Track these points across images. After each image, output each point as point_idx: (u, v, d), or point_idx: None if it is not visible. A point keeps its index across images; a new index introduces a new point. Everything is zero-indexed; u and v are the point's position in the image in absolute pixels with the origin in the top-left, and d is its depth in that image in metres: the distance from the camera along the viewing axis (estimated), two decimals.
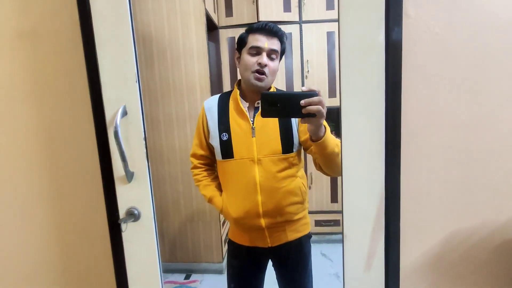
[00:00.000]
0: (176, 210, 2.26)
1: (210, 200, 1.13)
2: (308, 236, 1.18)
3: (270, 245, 1.10)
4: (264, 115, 0.77)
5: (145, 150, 0.72)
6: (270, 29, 1.03)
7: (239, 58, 1.09)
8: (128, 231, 0.75)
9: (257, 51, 1.02)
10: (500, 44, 0.75)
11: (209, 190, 1.13)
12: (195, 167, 1.18)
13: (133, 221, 0.74)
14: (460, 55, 0.76)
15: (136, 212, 0.74)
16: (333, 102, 2.47)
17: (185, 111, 2.15)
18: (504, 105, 0.77)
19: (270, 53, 1.03)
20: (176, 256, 2.34)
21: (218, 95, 1.16)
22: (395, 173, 0.75)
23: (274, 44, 1.03)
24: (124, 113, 0.70)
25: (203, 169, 1.17)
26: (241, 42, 1.07)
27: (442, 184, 0.80)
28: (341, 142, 0.75)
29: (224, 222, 2.39)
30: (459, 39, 0.75)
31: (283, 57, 2.51)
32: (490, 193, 0.80)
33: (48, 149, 0.87)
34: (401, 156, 0.77)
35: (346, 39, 0.71)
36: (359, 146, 0.74)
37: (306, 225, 1.16)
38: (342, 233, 0.75)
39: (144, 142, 0.71)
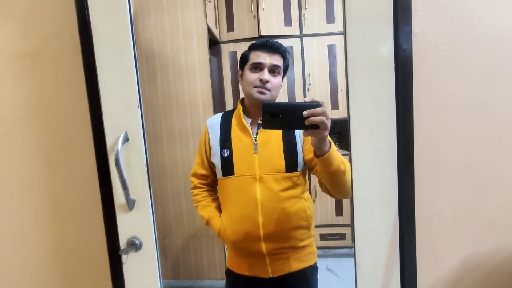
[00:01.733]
0: (179, 226, 2.23)
1: (208, 222, 1.08)
2: (314, 268, 1.09)
3: (271, 275, 1.02)
4: (265, 126, 0.75)
5: (147, 177, 0.69)
6: (272, 45, 1.02)
7: (242, 75, 1.07)
8: (129, 261, 0.71)
9: (258, 67, 1.01)
10: (508, 59, 0.73)
11: (208, 211, 1.09)
12: (195, 187, 1.14)
13: (135, 251, 0.70)
14: (469, 72, 0.74)
15: (137, 242, 0.71)
16: (335, 114, 2.47)
17: (187, 126, 2.14)
18: None
19: (272, 69, 1.01)
20: (179, 273, 2.29)
21: (221, 113, 1.14)
22: (409, 196, 0.72)
23: (276, 60, 1.02)
24: (126, 139, 0.68)
25: (204, 189, 1.13)
26: (244, 60, 1.06)
27: (456, 205, 0.77)
28: (350, 164, 0.73)
29: None
30: (467, 56, 0.74)
31: None
32: (505, 215, 0.77)
33: (48, 174, 0.85)
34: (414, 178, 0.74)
35: (353, 56, 0.70)
36: (370, 170, 0.71)
37: (312, 255, 1.08)
38: (354, 262, 0.71)
39: (146, 168, 0.69)
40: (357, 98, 0.71)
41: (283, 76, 1.07)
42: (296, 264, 1.04)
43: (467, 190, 0.77)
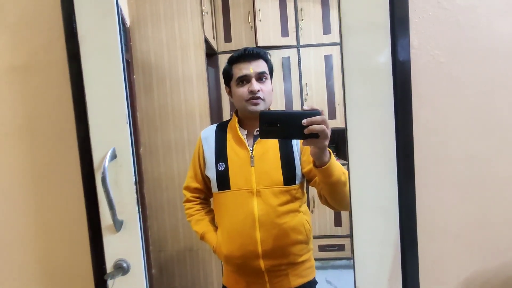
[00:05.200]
0: (174, 239, 2.19)
1: (202, 237, 1.05)
2: (314, 283, 1.06)
3: None
4: (263, 136, 0.72)
5: (135, 196, 0.66)
6: (251, 53, 0.99)
7: (230, 92, 1.06)
8: (116, 286, 0.67)
9: (245, 79, 0.99)
10: (507, 69, 0.72)
11: (202, 225, 1.06)
12: (187, 201, 1.11)
13: (122, 275, 0.67)
14: (467, 84, 0.73)
15: (124, 264, 0.67)
16: (333, 124, 2.45)
17: (184, 138, 2.13)
18: None
19: (259, 77, 0.99)
20: (175, 287, 2.23)
21: (216, 124, 1.11)
22: (410, 210, 0.69)
23: (260, 66, 0.99)
24: (114, 156, 0.66)
25: (196, 202, 1.11)
26: (227, 76, 1.04)
27: (459, 221, 0.75)
28: (348, 176, 0.70)
29: None
30: (465, 68, 0.73)
31: (282, 80, 2.55)
32: (509, 230, 0.75)
33: (32, 192, 0.81)
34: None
35: (349, 66, 0.69)
36: (369, 183, 0.69)
37: (311, 269, 1.05)
38: (354, 282, 0.68)
39: (135, 187, 0.66)
40: (354, 109, 0.70)
41: (271, 78, 1.05)
42: (296, 280, 1.01)
43: (470, 204, 0.74)
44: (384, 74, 0.69)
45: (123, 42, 0.64)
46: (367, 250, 0.69)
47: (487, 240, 0.75)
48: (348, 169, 0.72)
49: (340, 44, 0.69)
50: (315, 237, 2.51)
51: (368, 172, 0.70)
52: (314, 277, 1.07)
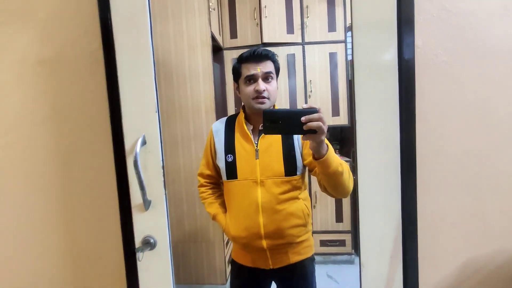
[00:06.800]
0: (180, 231, 2.23)
1: (214, 218, 1.15)
2: (311, 259, 1.17)
3: (272, 267, 1.10)
4: (266, 132, 0.78)
5: (163, 179, 0.72)
6: (260, 54, 1.05)
7: (238, 88, 1.12)
8: (143, 259, 0.74)
9: (252, 78, 1.05)
10: (506, 69, 0.76)
11: (214, 207, 1.16)
12: (201, 185, 1.21)
13: (149, 249, 0.73)
14: (468, 82, 0.77)
15: (152, 240, 0.73)
16: (336, 121, 2.48)
17: (190, 132, 2.15)
18: None
19: (266, 77, 1.05)
20: (179, 278, 2.28)
21: (226, 118, 1.18)
22: (411, 200, 0.74)
23: (267, 67, 1.06)
24: (144, 143, 0.71)
25: (209, 187, 1.20)
26: (236, 73, 1.10)
27: (456, 210, 0.80)
28: (356, 170, 0.76)
29: (227, 243, 2.34)
30: (466, 67, 0.77)
31: (287, 77, 2.57)
32: (504, 219, 0.80)
33: (65, 174, 0.87)
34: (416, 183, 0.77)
35: (359, 63, 0.73)
36: (375, 175, 0.74)
37: (309, 248, 1.15)
38: (359, 262, 0.74)
39: (162, 170, 0.72)
40: (362, 104, 0.75)
41: (277, 77, 1.11)
42: (295, 257, 1.11)
43: (467, 195, 0.79)
44: (390, 71, 0.74)
45: (152, 38, 0.69)
46: (372, 235, 0.75)
47: (482, 229, 0.80)
48: (351, 165, 0.77)
49: (352, 41, 0.74)
50: (316, 232, 2.53)
51: (374, 162, 0.75)
52: (312, 254, 1.17)
